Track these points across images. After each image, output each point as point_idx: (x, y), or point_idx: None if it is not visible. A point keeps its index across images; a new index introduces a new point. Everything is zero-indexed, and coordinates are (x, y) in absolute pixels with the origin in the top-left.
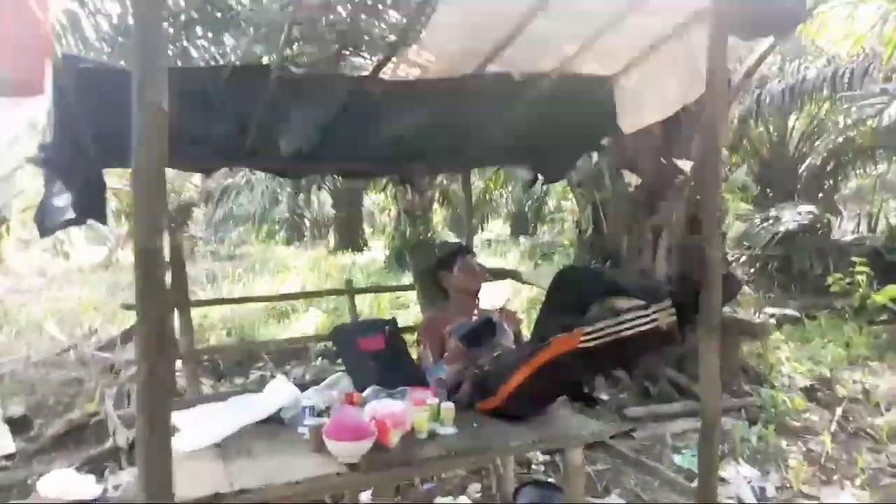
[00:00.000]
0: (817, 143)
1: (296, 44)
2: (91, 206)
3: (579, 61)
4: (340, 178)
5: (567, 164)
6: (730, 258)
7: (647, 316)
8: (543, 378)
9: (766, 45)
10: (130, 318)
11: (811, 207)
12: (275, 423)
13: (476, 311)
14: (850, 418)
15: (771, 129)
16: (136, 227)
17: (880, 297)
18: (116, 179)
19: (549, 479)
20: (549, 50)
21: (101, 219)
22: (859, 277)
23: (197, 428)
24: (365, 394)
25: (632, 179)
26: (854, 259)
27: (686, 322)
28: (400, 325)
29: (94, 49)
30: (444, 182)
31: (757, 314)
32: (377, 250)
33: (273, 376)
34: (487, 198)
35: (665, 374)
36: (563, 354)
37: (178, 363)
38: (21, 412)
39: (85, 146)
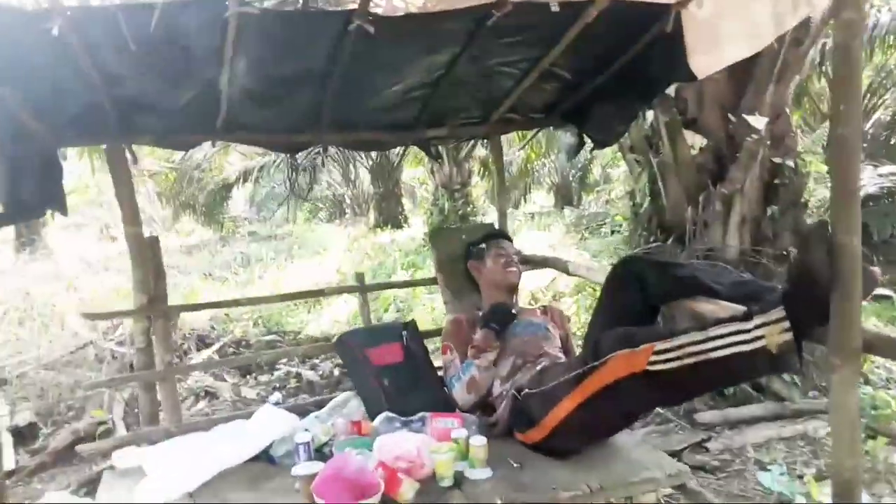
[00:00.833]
0: (886, 96)
1: None
2: (48, 194)
3: None
4: (345, 150)
5: (621, 123)
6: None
7: (749, 332)
8: (598, 409)
9: None
10: None
11: (894, 168)
12: (263, 463)
13: (515, 310)
14: None
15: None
16: None
17: None
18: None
19: None
20: None
21: (62, 209)
22: None
23: (167, 472)
24: (375, 423)
25: (695, 141)
26: None
27: (805, 339)
28: (423, 327)
29: None
30: (486, 152)
31: None
32: (417, 227)
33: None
34: (528, 168)
35: None
36: (625, 379)
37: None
38: (29, 419)
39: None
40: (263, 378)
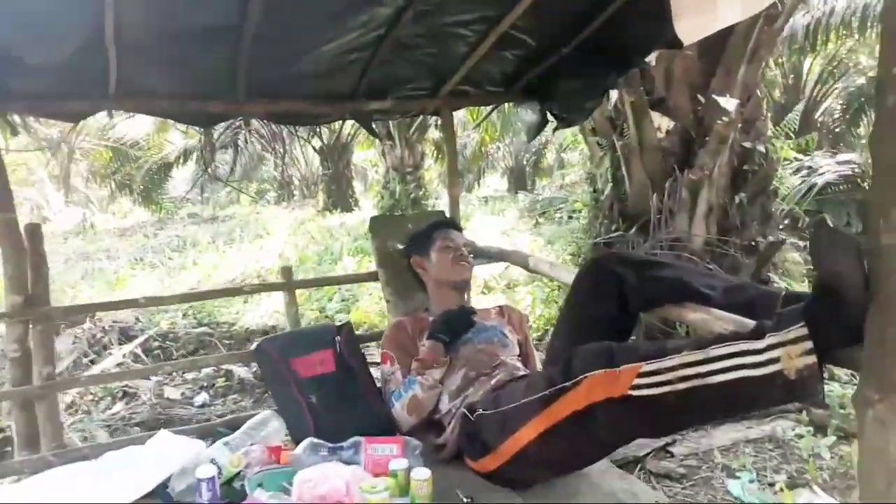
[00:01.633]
0: (836, 85)
1: None
2: None
3: None
4: (271, 123)
5: (590, 99)
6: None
7: (761, 352)
8: (567, 438)
9: None
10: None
11: (852, 156)
12: (159, 502)
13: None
14: None
15: (786, 69)
16: None
17: None
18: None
19: None
20: None
21: None
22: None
23: None
24: (297, 451)
25: (662, 123)
26: None
27: (828, 362)
28: (370, 322)
29: None
30: (440, 134)
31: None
32: (368, 210)
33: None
34: (483, 151)
35: None
36: (601, 404)
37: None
38: None
39: None
40: (189, 376)
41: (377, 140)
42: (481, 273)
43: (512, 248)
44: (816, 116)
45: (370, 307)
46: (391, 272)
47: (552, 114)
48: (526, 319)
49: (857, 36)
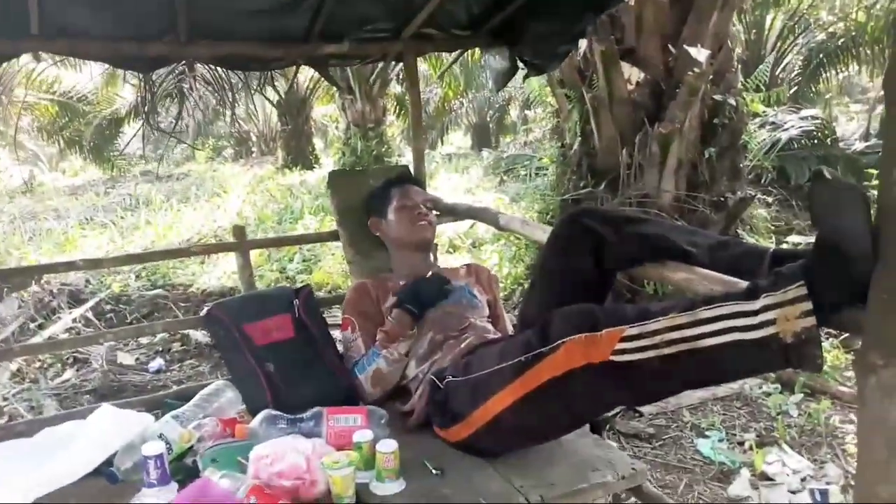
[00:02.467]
0: (797, 41)
1: None
2: None
3: None
4: (218, 67)
5: (564, 43)
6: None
7: (755, 314)
8: (542, 407)
9: None
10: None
11: (816, 111)
12: (101, 482)
13: (432, 272)
14: None
15: (747, 24)
16: None
17: None
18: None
19: None
20: None
21: None
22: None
23: None
24: (253, 424)
25: (632, 74)
26: (868, 171)
27: (826, 326)
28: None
29: None
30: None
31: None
32: (329, 167)
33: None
34: (446, 107)
35: None
36: (580, 370)
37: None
38: None
39: None
40: (144, 341)
41: (337, 94)
42: (446, 231)
43: (479, 206)
44: (777, 73)
45: (333, 267)
46: (353, 231)
47: (522, 60)
48: (496, 280)
49: None
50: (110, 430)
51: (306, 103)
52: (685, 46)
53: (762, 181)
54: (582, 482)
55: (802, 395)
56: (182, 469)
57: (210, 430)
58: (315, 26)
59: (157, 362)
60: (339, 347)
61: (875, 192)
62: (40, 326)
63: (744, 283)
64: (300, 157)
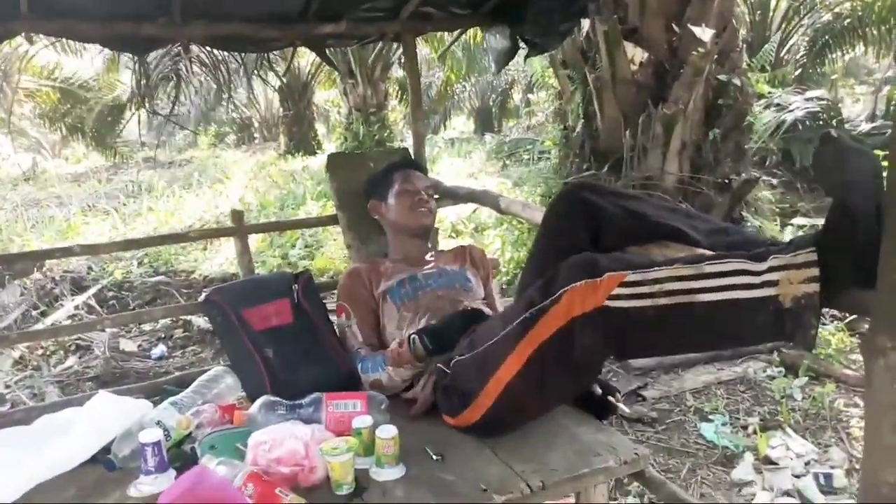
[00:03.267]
0: (803, 21)
1: None
2: None
3: None
4: (214, 49)
5: (566, 21)
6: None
7: (759, 273)
8: (548, 366)
9: None
10: (27, 248)
11: (822, 92)
12: (99, 470)
13: (429, 257)
14: None
15: (753, 4)
16: None
17: None
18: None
19: None
20: None
21: None
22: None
23: None
24: (251, 411)
25: (635, 55)
26: (875, 152)
27: (829, 305)
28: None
29: None
30: (403, 73)
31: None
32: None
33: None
34: (448, 91)
35: None
36: (579, 318)
37: None
38: None
39: None
40: (146, 327)
41: (339, 79)
42: (448, 216)
43: (480, 190)
44: (782, 54)
45: (335, 253)
46: (352, 215)
47: (523, 39)
48: (495, 264)
49: None
50: (108, 417)
51: (308, 88)
52: (689, 26)
53: (767, 163)
54: (584, 467)
55: (807, 378)
56: (180, 456)
57: (209, 416)
58: (312, 5)
59: (160, 349)
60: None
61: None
62: (42, 314)
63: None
64: (302, 142)
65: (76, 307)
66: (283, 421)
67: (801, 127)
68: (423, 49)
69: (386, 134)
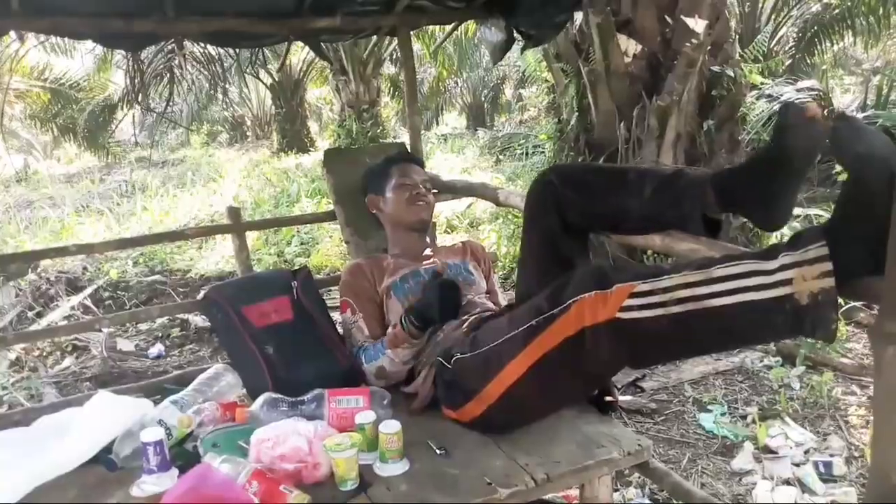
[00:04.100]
0: (792, 13)
1: None
2: None
3: None
4: (208, 46)
5: (560, 11)
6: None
7: (771, 273)
8: (556, 372)
9: None
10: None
11: (813, 83)
12: (100, 470)
13: (428, 252)
14: None
15: None
16: None
17: None
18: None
19: None
20: None
21: None
22: None
23: None
24: (253, 408)
25: (629, 47)
26: None
27: (844, 294)
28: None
29: None
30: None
31: None
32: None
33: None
34: (440, 86)
35: None
36: (590, 329)
37: None
38: None
39: None
40: (143, 327)
41: (331, 76)
42: (444, 211)
43: (477, 183)
44: (772, 45)
45: (331, 250)
46: (350, 211)
47: (518, 31)
48: (492, 256)
49: None
50: (108, 417)
51: (300, 85)
52: (682, 17)
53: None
54: (587, 459)
55: (804, 367)
56: (183, 454)
57: (210, 414)
58: (306, 0)
59: (157, 348)
60: (340, 329)
61: None
62: (38, 315)
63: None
64: (295, 140)
65: (72, 308)
66: (286, 418)
67: None
68: (414, 45)
69: (379, 130)
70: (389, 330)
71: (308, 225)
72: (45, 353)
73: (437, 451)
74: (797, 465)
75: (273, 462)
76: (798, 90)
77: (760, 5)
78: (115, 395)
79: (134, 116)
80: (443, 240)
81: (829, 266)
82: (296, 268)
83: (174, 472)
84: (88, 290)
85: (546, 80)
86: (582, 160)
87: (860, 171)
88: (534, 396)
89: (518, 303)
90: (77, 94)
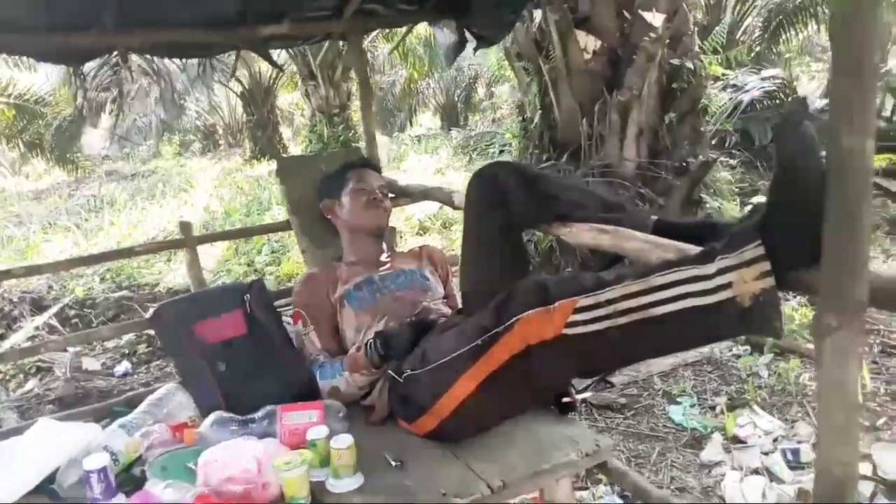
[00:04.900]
0: (757, 2)
1: None
2: None
3: None
4: (158, 56)
5: (510, 11)
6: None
7: (710, 277)
8: (506, 386)
9: None
10: None
11: (777, 71)
12: (44, 500)
13: (385, 257)
14: (882, 333)
15: None
16: None
17: None
18: None
19: None
20: None
21: None
22: None
23: None
24: (202, 428)
25: (588, 43)
26: None
27: (783, 288)
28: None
29: None
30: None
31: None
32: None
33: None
34: (412, 88)
35: None
36: (538, 346)
37: None
38: None
39: None
40: (110, 344)
41: (300, 81)
42: (416, 213)
43: (445, 186)
44: (738, 35)
45: (301, 258)
46: (306, 219)
47: (471, 32)
48: (454, 262)
49: None
50: (51, 444)
51: (270, 92)
52: (640, 11)
53: (726, 144)
54: (544, 463)
55: (772, 355)
56: (130, 480)
57: (160, 436)
58: (250, 6)
59: (124, 366)
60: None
61: None
62: (1, 337)
63: (695, 248)
64: (268, 147)
65: (37, 328)
66: (236, 437)
67: (759, 107)
68: (385, 47)
69: (350, 134)
70: (351, 351)
71: (276, 233)
72: (7, 377)
73: (394, 464)
74: (766, 453)
75: (221, 484)
76: (762, 79)
77: None
78: (57, 422)
79: (102, 131)
80: (414, 241)
81: (766, 266)
82: (250, 280)
83: (121, 498)
84: (53, 310)
85: (512, 79)
86: (547, 158)
87: (793, 163)
88: (486, 409)
89: (474, 299)
90: (43, 108)
